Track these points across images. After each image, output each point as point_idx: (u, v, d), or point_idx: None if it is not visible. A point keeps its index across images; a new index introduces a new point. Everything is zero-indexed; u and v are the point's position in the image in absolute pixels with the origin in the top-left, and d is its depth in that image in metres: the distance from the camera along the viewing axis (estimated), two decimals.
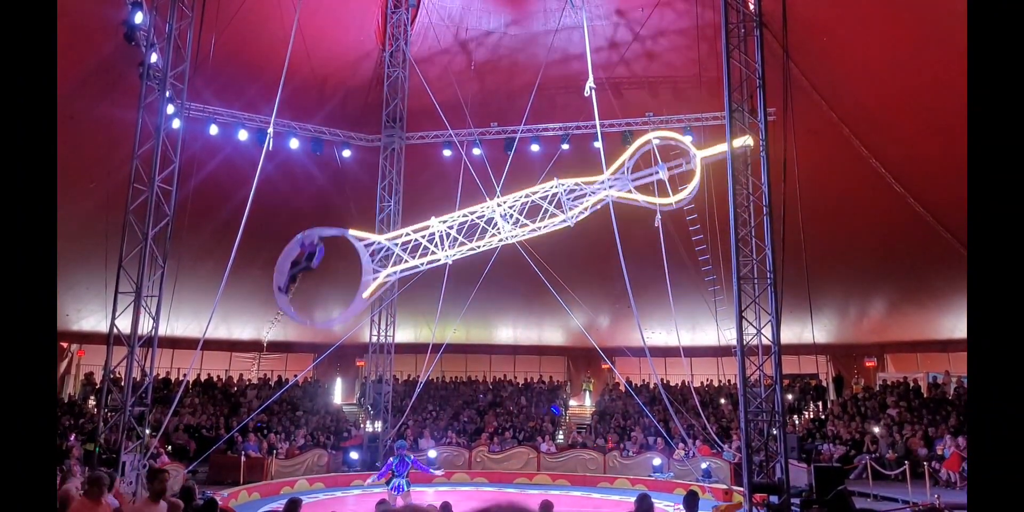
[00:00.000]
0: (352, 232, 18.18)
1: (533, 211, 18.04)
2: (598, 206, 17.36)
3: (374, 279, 18.10)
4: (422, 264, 18.00)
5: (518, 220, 17.87)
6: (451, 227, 17.96)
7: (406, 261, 18.04)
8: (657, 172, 16.90)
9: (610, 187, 17.10)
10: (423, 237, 18.02)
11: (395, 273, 18.18)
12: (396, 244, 18.15)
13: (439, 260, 17.89)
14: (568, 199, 17.61)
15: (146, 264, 14.77)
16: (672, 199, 16.74)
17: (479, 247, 18.02)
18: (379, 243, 18.26)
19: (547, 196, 17.74)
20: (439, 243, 17.94)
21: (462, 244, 17.90)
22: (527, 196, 17.92)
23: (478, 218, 18.09)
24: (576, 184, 17.55)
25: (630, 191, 17.08)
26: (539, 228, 17.74)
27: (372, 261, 18.09)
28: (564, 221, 17.52)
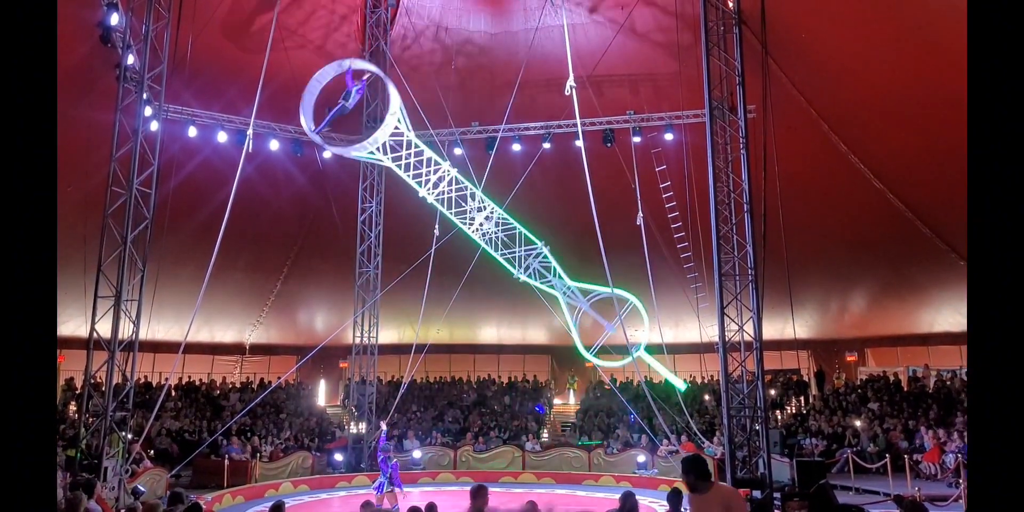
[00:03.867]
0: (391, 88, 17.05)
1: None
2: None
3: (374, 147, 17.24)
4: (408, 177, 17.88)
5: (493, 231, 17.99)
6: (452, 179, 17.99)
7: (401, 160, 17.77)
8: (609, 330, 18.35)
9: (568, 300, 18.39)
10: (426, 162, 17.93)
11: (385, 160, 17.63)
12: (411, 142, 17.66)
13: (419, 189, 17.91)
14: (536, 263, 18.16)
15: (125, 268, 14.67)
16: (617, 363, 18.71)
17: (449, 214, 18.08)
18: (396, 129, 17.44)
19: (529, 246, 18.15)
20: (430, 177, 17.95)
21: (445, 200, 17.99)
22: (514, 228, 18.07)
23: (471, 197, 18.08)
24: (551, 265, 18.34)
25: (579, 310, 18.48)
26: (497, 255, 18.13)
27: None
28: (516, 273, 18.08)
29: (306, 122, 16.30)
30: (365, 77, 16.98)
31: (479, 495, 7.42)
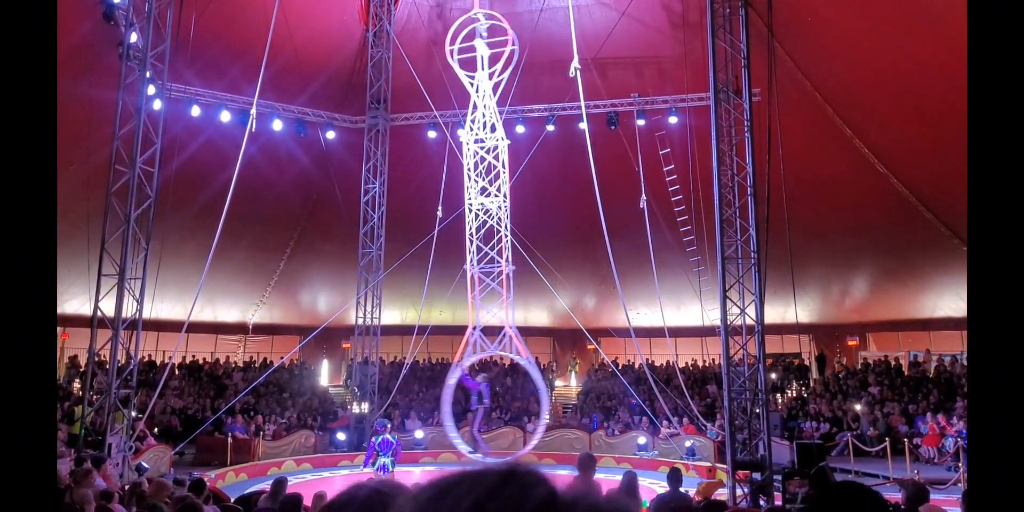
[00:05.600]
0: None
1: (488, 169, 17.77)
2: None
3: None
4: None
5: (486, 188, 17.55)
6: (480, 254, 17.41)
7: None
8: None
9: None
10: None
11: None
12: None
13: (505, 273, 17.43)
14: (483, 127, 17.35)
15: (129, 246, 14.70)
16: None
17: (506, 230, 17.40)
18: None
19: (475, 151, 17.39)
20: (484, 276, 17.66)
21: (499, 247, 17.42)
22: (470, 171, 17.40)
23: (479, 228, 17.57)
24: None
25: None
26: (504, 166, 17.19)
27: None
28: (502, 142, 17.10)
29: (450, 430, 16.70)
30: (480, 379, 17.62)
31: (589, 465, 7.07)
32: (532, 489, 0.81)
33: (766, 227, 14.19)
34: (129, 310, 14.86)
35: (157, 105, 16.05)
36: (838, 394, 23.22)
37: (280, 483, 8.22)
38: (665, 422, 20.32)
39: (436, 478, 0.86)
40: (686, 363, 27.03)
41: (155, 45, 15.54)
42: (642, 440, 20.75)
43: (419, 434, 21.57)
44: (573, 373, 29.97)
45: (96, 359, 15.15)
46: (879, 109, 19.35)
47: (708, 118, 15.43)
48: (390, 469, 14.74)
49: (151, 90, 15.87)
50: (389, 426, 15.60)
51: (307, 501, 7.22)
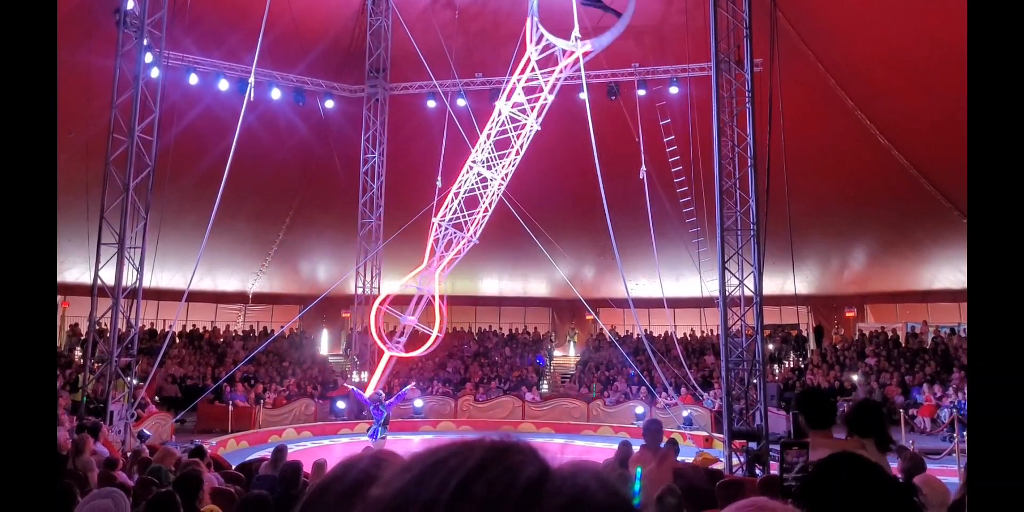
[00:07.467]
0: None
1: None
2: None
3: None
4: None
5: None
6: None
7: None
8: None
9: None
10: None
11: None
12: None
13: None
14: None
15: (128, 215, 14.69)
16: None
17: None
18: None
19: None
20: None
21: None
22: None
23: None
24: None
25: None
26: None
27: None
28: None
29: None
30: None
31: (650, 432, 6.84)
32: (523, 467, 0.80)
33: (766, 198, 14.16)
34: (129, 279, 14.89)
35: (155, 73, 15.94)
36: (835, 365, 23.36)
37: (280, 451, 8.31)
38: (663, 392, 20.45)
39: (424, 452, 0.85)
40: (684, 334, 27.15)
41: (152, 12, 15.38)
42: (640, 410, 20.90)
43: (418, 403, 21.73)
44: (572, 343, 30.13)
45: (97, 327, 15.22)
46: (881, 80, 19.20)
47: (709, 88, 15.31)
48: (378, 436, 14.92)
49: (148, 58, 15.73)
50: (383, 396, 15.75)
51: (307, 469, 7.29)
